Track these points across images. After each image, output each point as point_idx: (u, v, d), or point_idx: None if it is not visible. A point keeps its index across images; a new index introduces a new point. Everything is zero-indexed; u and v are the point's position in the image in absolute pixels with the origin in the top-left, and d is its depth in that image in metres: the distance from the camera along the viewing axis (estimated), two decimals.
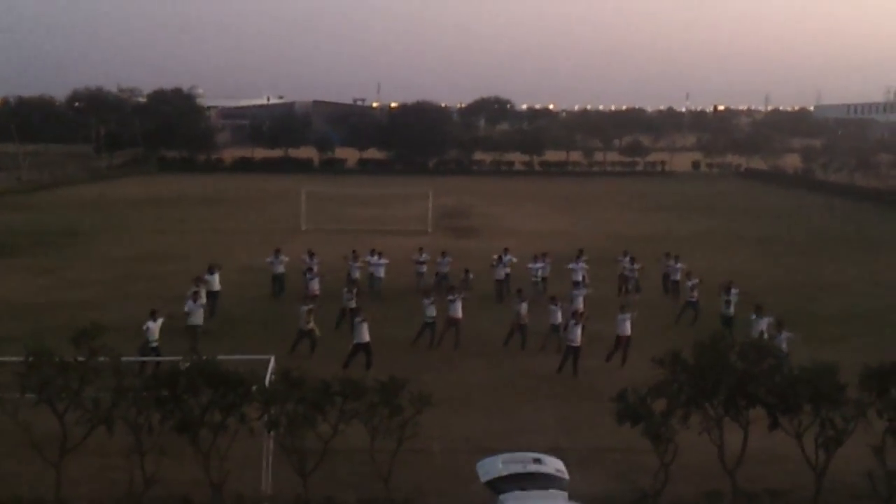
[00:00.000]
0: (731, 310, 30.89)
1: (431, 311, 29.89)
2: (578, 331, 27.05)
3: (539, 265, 37.60)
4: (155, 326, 26.20)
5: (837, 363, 17.61)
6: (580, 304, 31.21)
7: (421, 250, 39.68)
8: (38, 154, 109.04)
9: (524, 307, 29.89)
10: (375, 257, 38.19)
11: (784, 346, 24.49)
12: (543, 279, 37.54)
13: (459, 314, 30.11)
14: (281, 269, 37.62)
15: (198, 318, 28.81)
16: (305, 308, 28.85)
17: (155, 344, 25.85)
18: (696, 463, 18.77)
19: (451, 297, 30.45)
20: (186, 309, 28.77)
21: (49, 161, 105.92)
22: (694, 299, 33.26)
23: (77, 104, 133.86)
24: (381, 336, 28.65)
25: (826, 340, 30.47)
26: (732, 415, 17.52)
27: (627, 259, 38.46)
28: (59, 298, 37.22)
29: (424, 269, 38.70)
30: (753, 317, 27.74)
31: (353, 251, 38.69)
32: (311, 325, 28.61)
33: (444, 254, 39.18)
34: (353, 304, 31.20)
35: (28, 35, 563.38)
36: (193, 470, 17.28)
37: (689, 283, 33.88)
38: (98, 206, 73.21)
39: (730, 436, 17.62)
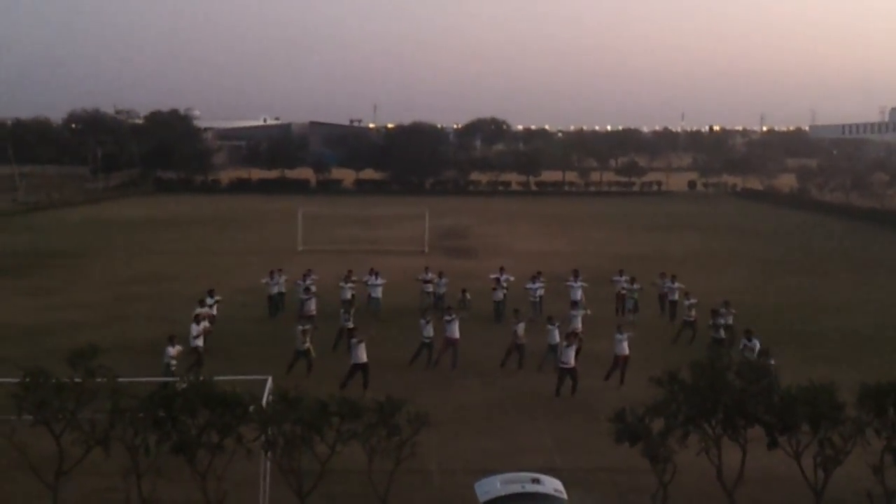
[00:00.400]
0: (721, 333, 30.80)
1: (428, 331, 29.85)
2: (572, 353, 26.96)
3: (537, 285, 37.57)
4: (174, 351, 26.28)
5: (835, 382, 17.59)
6: (578, 325, 31.20)
7: (427, 269, 39.69)
8: (34, 175, 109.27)
9: (521, 327, 29.87)
10: (373, 277, 38.17)
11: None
12: (540, 298, 37.51)
13: (457, 334, 30.05)
14: (277, 289, 37.62)
15: (200, 339, 28.82)
16: (301, 328, 28.86)
17: (174, 368, 25.89)
18: (695, 483, 18.74)
19: (448, 318, 30.42)
20: (194, 333, 28.77)
21: (46, 182, 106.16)
22: (691, 319, 33.28)
23: (74, 126, 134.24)
24: (379, 356, 28.61)
25: (823, 359, 30.47)
26: (731, 434, 17.48)
27: (624, 279, 38.40)
28: (55, 319, 37.15)
29: (431, 288, 38.60)
30: (744, 341, 27.50)
31: (349, 271, 38.72)
32: (308, 345, 28.58)
33: (440, 274, 39.17)
34: (350, 325, 31.18)
35: (25, 57, 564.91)
36: (190, 491, 17.22)
37: (687, 303, 33.92)
38: (95, 227, 73.26)
39: (728, 455, 17.58)
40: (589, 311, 32.89)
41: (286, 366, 27.79)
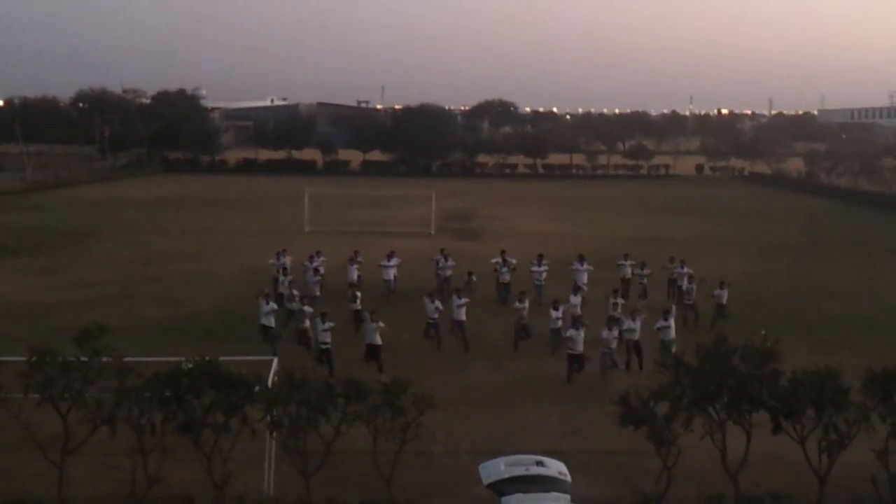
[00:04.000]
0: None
1: (432, 311, 29.82)
2: (581, 338, 26.77)
3: (542, 268, 37.38)
4: (327, 327, 26.80)
5: (840, 367, 17.58)
6: (577, 306, 31.06)
7: (443, 251, 39.50)
8: (42, 154, 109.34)
9: (525, 307, 29.86)
10: (386, 259, 38.11)
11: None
12: (543, 281, 37.27)
13: (463, 317, 30.06)
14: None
15: (269, 319, 29.00)
16: (300, 308, 29.22)
17: (325, 346, 26.64)
18: (699, 466, 18.76)
19: (456, 300, 30.39)
20: (265, 311, 29.01)
21: (53, 161, 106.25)
22: (691, 302, 33.37)
23: (81, 105, 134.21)
24: (387, 338, 28.58)
25: (829, 344, 30.41)
26: (735, 418, 17.50)
27: (629, 263, 38.21)
28: (62, 299, 37.24)
29: (449, 272, 38.27)
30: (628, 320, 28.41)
31: (355, 251, 38.68)
32: (306, 324, 28.78)
33: (446, 256, 39.02)
34: (357, 306, 31.23)
35: (32, 36, 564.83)
36: (196, 470, 17.28)
37: (685, 287, 34.10)
38: (102, 206, 73.32)
39: (733, 439, 17.59)
40: (578, 297, 32.32)
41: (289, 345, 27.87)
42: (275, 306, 29.70)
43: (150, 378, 16.81)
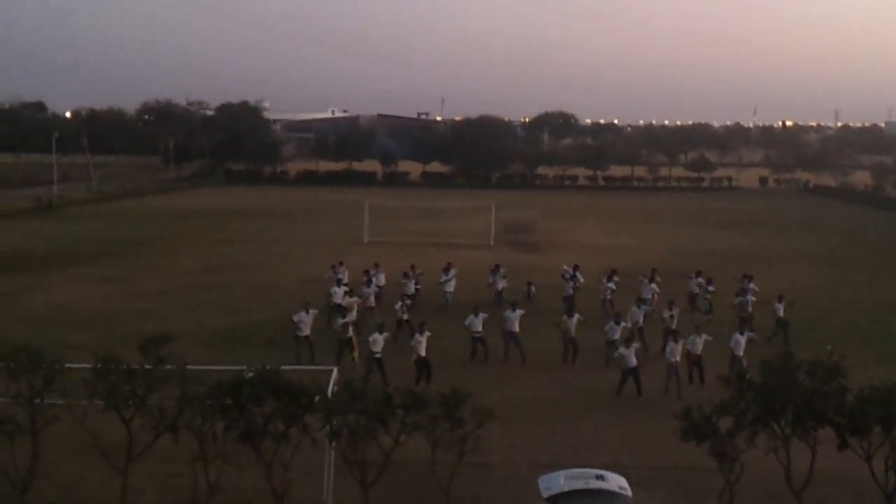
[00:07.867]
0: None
1: (477, 326, 29.65)
2: (632, 353, 26.44)
3: (611, 284, 36.85)
4: (380, 339, 26.82)
5: None
6: (639, 320, 30.76)
7: (497, 266, 39.37)
8: (108, 165, 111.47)
9: (572, 323, 29.63)
10: (444, 274, 38.03)
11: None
12: (611, 295, 36.82)
13: (517, 328, 29.86)
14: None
15: (306, 328, 29.33)
16: (341, 321, 29.32)
17: (379, 356, 26.57)
18: (762, 483, 18.47)
19: (508, 312, 30.20)
20: (295, 319, 29.35)
21: (119, 172, 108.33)
22: (746, 315, 33.00)
23: (146, 117, 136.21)
24: (443, 350, 28.59)
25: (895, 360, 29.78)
26: (800, 435, 17.16)
27: (697, 279, 37.42)
28: (126, 307, 37.81)
29: (501, 286, 37.98)
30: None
31: (412, 266, 38.58)
32: (350, 335, 29.15)
33: (498, 268, 38.76)
34: (405, 316, 31.22)
35: (99, 50, 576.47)
36: (256, 479, 17.40)
37: (744, 300, 33.62)
38: (166, 216, 74.43)
39: (797, 456, 17.26)
40: (651, 308, 32.00)
41: (335, 357, 27.87)
42: (315, 314, 30.05)
43: (212, 386, 16.95)
